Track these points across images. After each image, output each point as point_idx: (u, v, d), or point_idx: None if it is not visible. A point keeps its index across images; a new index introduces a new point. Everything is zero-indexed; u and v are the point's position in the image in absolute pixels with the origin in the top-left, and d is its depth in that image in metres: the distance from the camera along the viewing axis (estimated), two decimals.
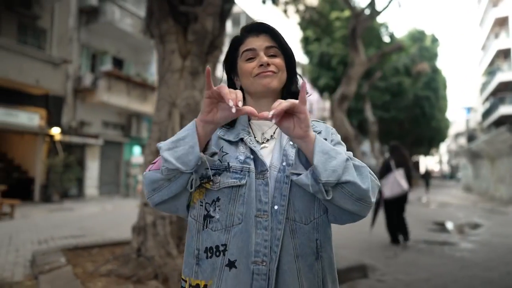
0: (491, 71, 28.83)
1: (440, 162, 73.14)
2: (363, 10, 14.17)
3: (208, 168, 0.86)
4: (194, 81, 4.20)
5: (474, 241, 6.16)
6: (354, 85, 14.70)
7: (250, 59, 0.97)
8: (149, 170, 0.89)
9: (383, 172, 5.69)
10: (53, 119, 12.16)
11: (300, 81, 1.03)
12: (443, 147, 63.03)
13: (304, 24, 17.40)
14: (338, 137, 1.00)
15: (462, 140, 43.73)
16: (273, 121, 0.78)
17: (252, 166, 0.89)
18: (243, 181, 0.88)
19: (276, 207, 0.86)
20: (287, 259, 0.86)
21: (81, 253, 4.51)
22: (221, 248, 0.87)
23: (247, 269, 0.84)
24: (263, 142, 0.96)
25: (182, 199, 0.90)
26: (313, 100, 34.55)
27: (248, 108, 0.79)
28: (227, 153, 0.92)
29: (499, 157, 15.65)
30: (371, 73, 19.77)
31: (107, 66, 13.56)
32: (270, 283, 0.84)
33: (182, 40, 4.23)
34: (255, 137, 0.97)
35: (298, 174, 0.84)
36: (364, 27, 14.56)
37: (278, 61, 0.97)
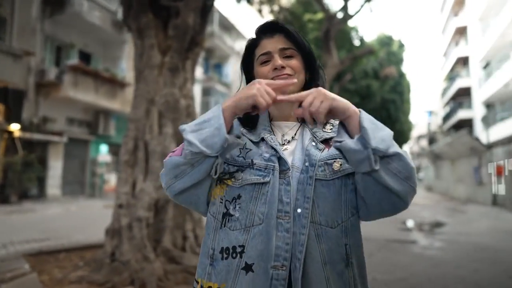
0: (451, 77, 30.42)
1: None
2: (336, 13, 14.43)
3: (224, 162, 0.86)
4: (174, 78, 4.05)
5: (442, 239, 6.42)
6: (326, 86, 14.97)
7: (265, 63, 0.94)
8: (170, 156, 0.85)
9: None
10: (12, 114, 11.39)
11: (323, 77, 1.01)
12: (406, 148, 65.69)
13: None
14: None
15: (424, 142, 45.84)
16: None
17: (277, 164, 0.85)
18: (267, 179, 0.83)
19: (299, 210, 0.81)
20: (314, 267, 0.80)
21: (47, 259, 4.21)
22: (238, 249, 0.82)
23: (265, 273, 0.78)
24: (283, 144, 0.92)
25: (204, 187, 0.86)
26: None
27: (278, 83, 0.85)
28: (251, 150, 0.89)
29: (459, 158, 16.52)
30: (341, 75, 20.23)
31: (74, 60, 12.91)
32: None
33: (162, 35, 4.07)
34: (276, 138, 0.94)
35: (340, 141, 0.83)
36: (337, 30, 14.86)
37: (294, 62, 0.93)
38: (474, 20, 23.92)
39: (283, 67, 0.91)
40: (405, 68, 31.55)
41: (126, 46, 14.82)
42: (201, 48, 4.46)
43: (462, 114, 27.04)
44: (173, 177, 0.84)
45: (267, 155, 0.87)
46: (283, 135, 0.94)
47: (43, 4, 12.55)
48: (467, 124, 26.86)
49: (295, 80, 0.86)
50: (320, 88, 0.82)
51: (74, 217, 8.63)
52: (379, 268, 4.32)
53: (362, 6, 14.24)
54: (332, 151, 0.87)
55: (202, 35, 4.41)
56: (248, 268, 0.80)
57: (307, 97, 0.80)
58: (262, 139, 0.90)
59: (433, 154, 21.02)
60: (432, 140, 37.45)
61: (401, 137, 33.60)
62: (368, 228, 7.17)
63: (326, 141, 0.90)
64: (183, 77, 4.19)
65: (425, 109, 42.16)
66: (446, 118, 31.99)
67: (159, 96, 3.96)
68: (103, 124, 14.30)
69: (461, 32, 28.28)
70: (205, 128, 0.80)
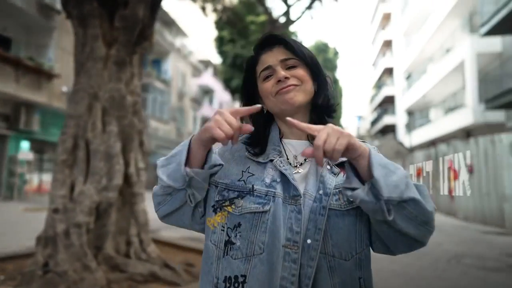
0: (378, 85, 33.04)
1: None
2: (279, 17, 14.77)
3: (210, 175, 0.82)
4: (120, 72, 3.78)
5: None
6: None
7: (268, 78, 0.87)
8: (156, 186, 0.88)
9: None
10: None
11: (329, 81, 0.93)
12: None
13: (221, 24, 17.37)
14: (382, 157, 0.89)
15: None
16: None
17: (278, 190, 0.81)
18: (267, 207, 0.79)
19: (309, 241, 0.76)
20: None
21: None
22: (240, 279, 0.78)
23: None
24: (295, 166, 0.86)
25: (186, 213, 0.86)
26: (224, 101, 34.76)
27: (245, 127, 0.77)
28: (252, 175, 0.84)
29: None
30: None
31: None
32: None
33: (108, 26, 3.77)
34: (287, 158, 0.87)
35: (353, 189, 0.73)
36: (279, 34, 15.23)
37: (300, 71, 0.86)
38: (399, 34, 26.24)
39: (287, 78, 0.84)
40: (338, 74, 33.41)
41: (55, 33, 13.53)
42: (150, 43, 4.24)
43: (387, 120, 29.52)
44: (157, 203, 0.87)
45: (268, 181, 0.82)
46: (295, 156, 0.87)
47: None
48: (391, 129, 29.40)
49: (259, 106, 0.76)
50: (332, 125, 0.72)
51: None
52: None
53: (303, 12, 14.77)
54: None
55: (151, 29, 4.19)
56: None
57: (320, 133, 0.70)
58: (271, 161, 0.84)
59: None
60: None
61: None
62: None
63: (342, 164, 0.84)
64: (130, 72, 3.94)
65: (355, 114, 45.25)
66: (374, 123, 34.66)
67: (103, 91, 3.67)
68: (24, 118, 12.87)
69: (388, 44, 30.86)
70: (171, 163, 0.81)
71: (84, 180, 3.52)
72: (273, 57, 0.87)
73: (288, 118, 0.75)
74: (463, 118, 15.02)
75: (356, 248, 0.80)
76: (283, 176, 0.82)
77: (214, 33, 21.35)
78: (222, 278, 0.80)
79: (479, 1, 13.57)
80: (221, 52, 21.60)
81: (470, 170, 6.97)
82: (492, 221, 7.95)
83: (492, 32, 12.35)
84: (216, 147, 0.90)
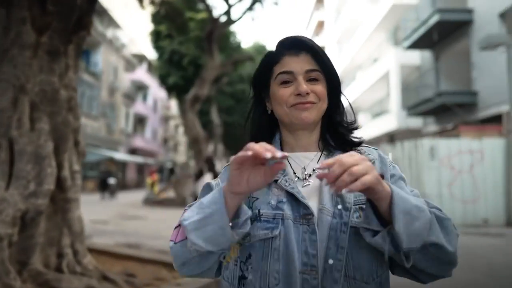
0: None
1: None
2: (220, 16, 14.63)
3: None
4: (53, 63, 3.36)
5: None
6: (206, 87, 15.02)
7: (285, 83, 0.80)
8: (175, 242, 0.73)
9: (198, 175, 7.69)
10: None
11: (345, 105, 0.89)
12: None
13: (158, 18, 16.66)
14: (398, 170, 0.84)
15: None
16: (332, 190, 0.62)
17: (286, 211, 0.74)
18: (276, 232, 0.73)
19: (330, 261, 0.71)
20: None
21: None
22: None
23: None
24: (305, 178, 0.79)
25: (213, 269, 0.78)
26: (159, 98, 33.47)
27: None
28: (257, 199, 0.77)
29: None
30: (219, 78, 20.62)
31: None
32: None
33: (38, 9, 3.31)
34: (294, 173, 0.80)
35: (374, 232, 0.68)
36: (220, 32, 15.07)
37: (320, 88, 0.80)
38: (332, 42, 27.77)
39: (307, 93, 0.78)
40: None
41: None
42: (88, 33, 3.84)
43: None
44: (181, 264, 0.75)
45: (274, 202, 0.75)
46: (303, 168, 0.81)
47: None
48: None
49: (250, 153, 0.61)
50: (356, 154, 0.64)
51: None
52: None
53: (244, 13, 14.82)
54: None
55: (90, 17, 3.79)
56: None
57: (349, 157, 0.62)
58: (275, 181, 0.76)
59: None
60: None
61: None
62: None
63: None
64: (64, 63, 3.51)
65: None
66: None
67: (33, 84, 3.21)
68: None
69: None
70: (208, 225, 0.67)
71: (6, 185, 3.04)
72: (298, 64, 0.80)
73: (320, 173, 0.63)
74: (388, 123, 16.39)
75: (377, 270, 0.75)
76: (290, 195, 0.75)
77: (150, 26, 20.42)
78: None
79: (402, 17, 14.93)
80: (157, 47, 20.72)
81: None
82: None
83: (413, 46, 13.67)
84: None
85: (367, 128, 19.17)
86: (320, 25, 32.06)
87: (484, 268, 4.67)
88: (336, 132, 0.85)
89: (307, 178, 0.80)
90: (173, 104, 34.45)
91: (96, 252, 4.53)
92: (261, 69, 0.86)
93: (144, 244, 5.63)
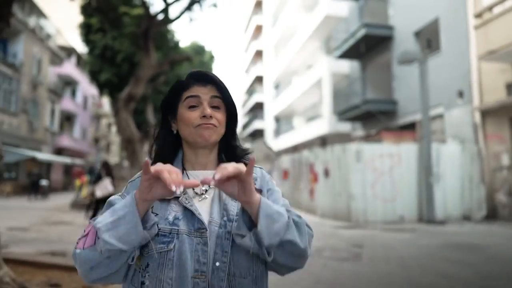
0: (250, 92, 35.15)
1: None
2: (157, 14, 14.21)
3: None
4: None
5: None
6: (142, 86, 14.48)
7: (192, 107, 0.93)
8: (81, 248, 0.80)
9: (97, 179, 8.05)
10: None
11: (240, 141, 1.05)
12: None
13: (89, 10, 15.65)
14: (273, 184, 1.01)
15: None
16: (213, 183, 0.74)
17: (181, 227, 0.86)
18: (171, 246, 0.84)
19: (217, 263, 0.84)
20: None
21: None
22: None
23: None
24: (202, 194, 0.93)
25: (121, 272, 0.84)
26: (89, 93, 31.36)
27: (190, 183, 0.76)
28: (157, 214, 0.86)
29: (257, 163, 19.28)
30: (156, 77, 20.01)
31: None
32: None
33: None
34: (193, 189, 0.92)
35: (242, 236, 0.82)
36: (157, 30, 14.64)
37: (220, 116, 0.94)
38: (269, 46, 28.53)
39: (211, 117, 0.92)
40: None
41: None
42: (7, 25, 3.54)
43: (257, 124, 31.69)
44: (89, 268, 0.80)
45: (171, 218, 0.86)
46: (202, 185, 0.92)
47: None
48: (260, 133, 31.67)
49: (163, 176, 0.73)
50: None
51: None
52: None
53: (182, 13, 14.59)
54: None
55: (9, 8, 3.51)
56: None
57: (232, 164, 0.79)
58: (175, 198, 0.88)
59: None
60: None
61: None
62: None
63: None
64: None
65: None
66: (245, 126, 36.69)
67: None
68: None
69: (259, 54, 33.18)
70: (120, 225, 0.76)
71: None
72: (204, 92, 0.94)
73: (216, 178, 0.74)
74: (320, 127, 17.35)
75: (253, 267, 0.89)
76: (187, 210, 0.87)
77: (80, 18, 19.10)
78: None
79: (334, 28, 15.94)
80: (88, 41, 19.44)
81: (327, 174, 8.12)
82: (342, 217, 9.42)
83: (343, 56, 14.68)
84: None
85: (301, 131, 20.07)
86: (258, 29, 32.74)
87: (398, 260, 5.24)
88: (231, 154, 1.00)
89: (204, 193, 0.93)
90: (106, 102, 32.57)
91: (15, 262, 4.17)
92: (170, 94, 0.98)
93: (70, 251, 5.29)
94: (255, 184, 0.93)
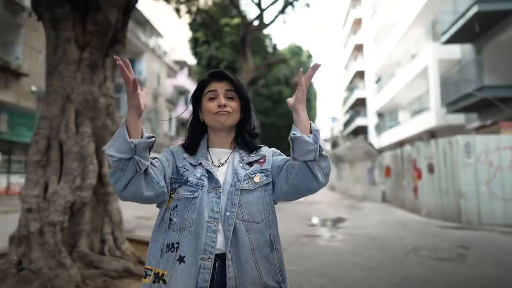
0: (350, 88, 33.96)
1: None
2: (252, 21, 15.01)
3: (149, 148, 1.04)
4: (93, 75, 3.89)
5: (343, 233, 7.27)
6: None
7: (211, 99, 1.19)
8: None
9: None
10: None
11: (254, 117, 1.30)
12: None
13: (195, 26, 17.42)
14: (279, 152, 1.28)
15: (327, 146, 50.16)
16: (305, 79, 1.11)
17: (205, 182, 1.12)
18: (196, 194, 1.10)
19: (227, 213, 1.08)
20: (245, 253, 1.06)
21: None
22: (175, 245, 1.07)
23: (194, 263, 1.03)
24: (219, 166, 1.20)
25: (139, 182, 1.03)
26: None
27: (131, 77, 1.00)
28: (188, 170, 1.15)
29: (357, 161, 18.62)
30: (255, 80, 21.01)
31: None
32: (216, 276, 1.04)
33: (80, 29, 3.86)
34: (212, 162, 1.20)
35: (297, 136, 1.08)
36: (253, 36, 15.47)
37: (234, 104, 1.20)
38: (369, 39, 27.16)
39: (225, 106, 1.17)
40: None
41: (23, 30, 13.17)
42: (123, 46, 4.35)
43: (359, 121, 30.43)
44: (114, 183, 1.04)
45: (198, 175, 1.13)
46: (219, 159, 1.21)
47: None
48: (363, 130, 30.33)
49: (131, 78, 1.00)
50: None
51: None
52: (291, 261, 4.76)
53: (276, 17, 15.09)
54: (254, 168, 1.17)
55: (124, 33, 4.31)
56: (181, 259, 1.05)
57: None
58: (200, 164, 1.16)
59: (335, 157, 23.25)
60: (334, 144, 41.20)
61: None
62: (280, 226, 7.74)
63: (251, 163, 1.20)
64: (103, 74, 4.04)
65: (329, 115, 46.28)
66: (346, 124, 35.59)
67: (77, 93, 3.76)
68: None
69: (359, 49, 31.82)
70: (116, 141, 1.01)
71: (58, 180, 3.59)
72: (220, 86, 1.20)
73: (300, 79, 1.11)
74: (428, 120, 15.82)
75: (264, 213, 1.14)
76: (209, 173, 1.14)
77: (189, 34, 21.34)
78: (166, 245, 1.09)
79: (439, 11, 14.39)
80: (196, 53, 21.60)
81: (431, 170, 7.48)
82: (450, 217, 8.50)
83: (452, 40, 13.14)
84: (163, 150, 1.22)
85: (406, 126, 18.60)
86: (357, 22, 31.44)
87: None
88: (244, 137, 1.25)
89: (220, 166, 1.19)
90: None
91: (136, 242, 5.05)
92: (196, 90, 1.26)
93: None
94: (265, 157, 1.23)
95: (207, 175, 1.13)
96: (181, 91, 31.19)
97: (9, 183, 13.77)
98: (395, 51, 20.45)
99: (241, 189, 1.11)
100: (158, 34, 25.93)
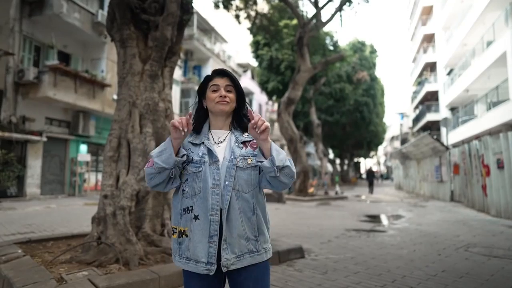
0: (420, 82, 31.90)
1: (378, 163, 78.55)
2: (309, 20, 15.15)
3: (181, 163, 1.44)
4: (153, 83, 4.58)
5: (394, 228, 7.20)
6: (300, 90, 15.70)
7: (214, 91, 1.52)
8: (146, 167, 1.45)
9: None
10: None
11: (249, 108, 1.61)
12: (380, 149, 67.63)
13: (255, 30, 18.09)
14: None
15: (397, 143, 47.55)
16: (259, 128, 1.37)
17: (206, 159, 1.45)
18: (200, 169, 1.44)
19: (226, 182, 1.41)
20: (235, 213, 1.43)
21: (36, 246, 4.60)
22: (190, 208, 1.43)
23: (206, 219, 1.41)
24: (218, 143, 1.52)
25: (167, 184, 1.48)
26: (262, 101, 35.51)
27: (185, 121, 1.39)
28: (192, 152, 1.49)
29: (423, 158, 17.62)
30: (316, 78, 21.02)
31: (53, 60, 13.08)
32: (223, 226, 1.39)
33: (143, 45, 4.60)
34: (213, 140, 1.55)
35: (261, 162, 1.43)
36: (310, 36, 15.60)
37: (232, 95, 1.52)
38: (439, 28, 25.32)
39: (225, 96, 1.49)
40: (377, 72, 32.64)
41: (106, 47, 15.05)
42: (178, 57, 5.01)
43: (430, 116, 28.48)
44: (149, 179, 1.45)
45: (200, 154, 1.46)
46: (218, 138, 1.54)
47: (22, 4, 12.70)
48: (435, 126, 28.35)
49: (175, 125, 1.36)
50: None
51: (55, 214, 8.92)
52: (334, 251, 5.00)
53: (333, 15, 15.02)
54: (248, 151, 1.47)
55: (178, 45, 4.96)
56: (196, 217, 1.41)
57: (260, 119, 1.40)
58: (203, 143, 1.50)
59: (402, 154, 22.18)
60: (404, 141, 38.98)
61: (375, 138, 34.89)
62: (331, 221, 7.85)
63: (244, 143, 1.50)
64: (161, 82, 4.73)
65: (398, 112, 43.92)
66: (416, 120, 33.50)
67: (140, 100, 4.49)
68: (82, 124, 14.50)
69: (429, 39, 29.77)
70: (163, 154, 1.39)
71: (126, 172, 4.35)
72: (221, 81, 1.55)
73: (249, 110, 1.44)
74: (507, 112, 14.43)
75: (251, 186, 1.48)
76: (209, 150, 1.46)
77: (249, 38, 22.12)
78: (183, 208, 1.46)
79: None
80: (257, 56, 22.33)
81: (501, 166, 7.12)
82: None
83: None
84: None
85: (481, 120, 17.11)
86: (426, 11, 29.45)
87: None
88: (239, 120, 1.57)
89: (219, 143, 1.51)
90: (275, 107, 36.02)
91: None
92: (202, 83, 1.58)
93: None
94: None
95: (207, 152, 1.45)
96: (245, 93, 32.28)
97: (98, 180, 15.80)
98: (469, 39, 18.89)
99: (236, 166, 1.43)
100: (223, 40, 27.26)
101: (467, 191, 11.42)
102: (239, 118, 1.58)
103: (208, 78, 1.58)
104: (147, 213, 4.43)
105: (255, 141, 1.47)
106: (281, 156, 1.40)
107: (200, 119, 1.59)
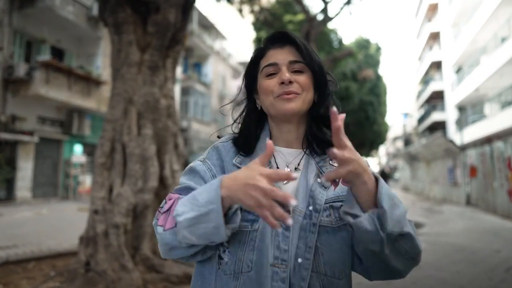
0: (425, 80, 31.31)
1: (379, 163, 78.18)
2: (316, 15, 14.49)
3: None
4: (154, 76, 3.86)
5: (423, 241, 6.48)
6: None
7: (271, 75, 0.83)
8: (162, 228, 0.73)
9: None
10: None
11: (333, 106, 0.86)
12: (382, 149, 67.28)
13: (258, 25, 17.43)
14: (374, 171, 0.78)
15: (399, 143, 47.02)
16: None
17: None
18: (255, 226, 0.75)
19: (299, 260, 0.74)
20: None
21: (14, 269, 3.94)
22: None
23: None
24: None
25: (198, 253, 0.77)
26: None
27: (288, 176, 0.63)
28: None
29: (434, 160, 16.97)
30: None
31: (45, 56, 12.32)
32: None
33: (141, 31, 3.87)
34: (277, 167, 0.83)
35: (355, 216, 0.69)
36: (317, 31, 14.93)
37: (303, 79, 0.81)
38: (446, 26, 24.70)
39: (291, 82, 0.79)
40: (382, 70, 32.21)
41: (102, 42, 14.33)
42: (183, 46, 4.30)
43: (436, 116, 27.88)
44: (168, 249, 0.75)
45: None
46: (287, 165, 0.83)
47: None
48: (440, 126, 27.74)
49: (295, 175, 0.62)
50: (358, 154, 0.68)
51: (45, 222, 8.20)
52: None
53: (341, 8, 14.38)
54: (339, 190, 0.79)
55: (183, 33, 4.25)
56: None
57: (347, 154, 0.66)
58: None
59: (409, 155, 21.55)
60: (407, 141, 38.42)
61: (378, 138, 34.34)
62: None
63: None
64: (163, 75, 4.01)
65: (401, 111, 43.30)
66: (421, 120, 32.91)
67: (138, 96, 3.77)
68: (77, 123, 13.76)
69: (435, 37, 29.16)
70: (201, 223, 0.66)
71: (121, 182, 3.63)
72: (282, 56, 0.82)
73: (333, 111, 0.65)
74: None
75: (349, 265, 0.78)
76: None
77: (253, 34, 21.45)
78: None
79: None
80: None
81: None
82: None
83: None
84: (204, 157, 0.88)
85: (494, 120, 16.47)
86: (432, 9, 28.84)
87: None
88: (319, 128, 0.85)
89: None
90: None
91: None
92: (250, 66, 0.89)
93: None
94: None
95: None
96: None
97: None
98: (480, 36, 18.23)
99: (319, 225, 0.75)
100: (223, 37, 26.53)
101: (487, 196, 10.74)
102: (319, 125, 0.86)
103: (259, 53, 0.87)
104: (146, 231, 3.72)
105: None
106: (398, 212, 0.69)
107: (250, 129, 0.86)
